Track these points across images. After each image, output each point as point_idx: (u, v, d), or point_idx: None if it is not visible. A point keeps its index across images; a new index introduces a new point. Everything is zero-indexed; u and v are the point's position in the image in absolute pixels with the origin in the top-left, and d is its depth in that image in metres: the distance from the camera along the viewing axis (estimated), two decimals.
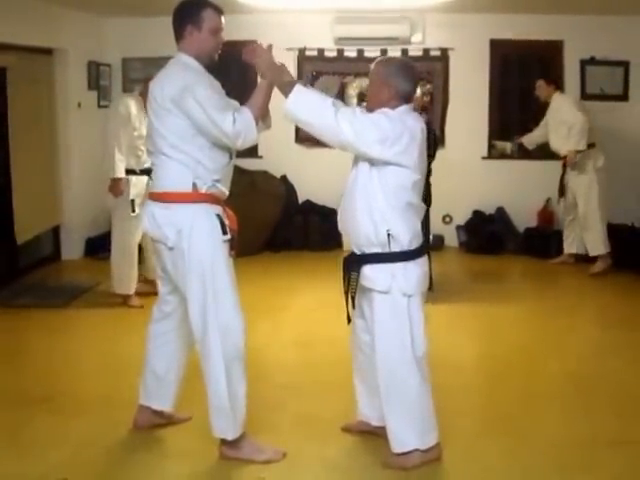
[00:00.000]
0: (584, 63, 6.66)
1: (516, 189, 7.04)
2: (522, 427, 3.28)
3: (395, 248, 2.79)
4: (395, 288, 2.79)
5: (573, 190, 6.27)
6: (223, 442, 2.95)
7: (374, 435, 3.07)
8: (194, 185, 2.83)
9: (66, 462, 2.92)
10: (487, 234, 6.92)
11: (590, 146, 6.19)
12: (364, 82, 7.19)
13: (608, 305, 5.33)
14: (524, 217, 7.05)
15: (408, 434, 2.86)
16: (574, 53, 6.79)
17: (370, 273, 2.82)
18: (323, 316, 5.03)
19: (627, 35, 6.76)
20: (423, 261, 2.89)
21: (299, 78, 7.14)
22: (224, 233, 2.87)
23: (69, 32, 6.37)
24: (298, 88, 2.78)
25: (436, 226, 6.86)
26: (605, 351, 4.34)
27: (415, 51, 6.95)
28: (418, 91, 5.03)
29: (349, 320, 2.98)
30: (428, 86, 7.07)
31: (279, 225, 7.06)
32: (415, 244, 2.84)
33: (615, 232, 6.43)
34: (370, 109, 2.92)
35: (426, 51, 6.98)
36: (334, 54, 7.14)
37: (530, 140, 6.59)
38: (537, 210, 7.06)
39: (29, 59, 5.92)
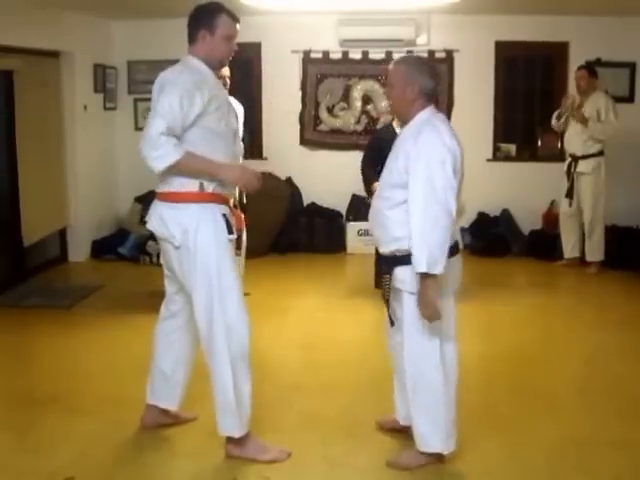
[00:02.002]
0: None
1: (521, 191, 7.04)
2: (523, 427, 3.29)
3: None
4: None
5: (580, 196, 6.27)
6: (229, 441, 2.97)
7: (403, 434, 3.09)
8: (200, 185, 2.85)
9: (74, 461, 2.95)
10: (492, 236, 6.92)
11: (600, 153, 6.19)
12: (369, 84, 7.21)
13: (612, 306, 5.33)
14: (529, 219, 7.05)
15: (433, 436, 2.86)
16: (579, 54, 6.77)
17: (401, 274, 2.78)
18: (328, 318, 5.05)
19: (633, 36, 6.74)
20: (455, 260, 2.83)
21: (304, 80, 7.17)
22: (230, 233, 2.90)
23: (75, 35, 6.40)
24: (430, 267, 2.59)
25: None
26: (608, 352, 4.34)
27: (420, 53, 6.94)
28: None
29: (392, 323, 2.93)
30: None
31: (284, 227, 7.08)
32: None
33: (620, 234, 6.44)
34: (396, 112, 2.91)
35: (431, 53, 6.98)
36: (339, 56, 7.15)
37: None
38: (542, 212, 7.06)
39: (36, 62, 5.96)
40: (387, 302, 2.88)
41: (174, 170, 2.78)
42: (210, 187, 2.86)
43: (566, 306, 5.36)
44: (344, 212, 7.20)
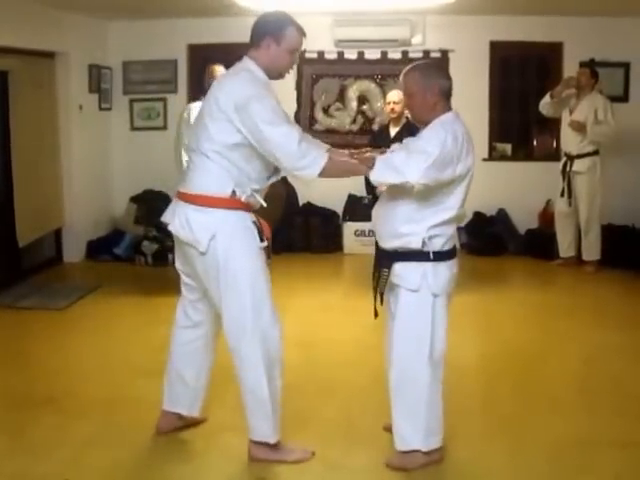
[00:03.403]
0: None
1: (517, 191, 7.05)
2: (523, 428, 3.28)
3: (427, 249, 2.78)
4: (424, 287, 2.78)
5: (576, 195, 6.27)
6: (257, 444, 2.92)
7: None
8: (233, 192, 2.75)
9: (69, 463, 2.93)
10: (488, 236, 6.93)
11: (596, 152, 6.19)
12: (364, 84, 7.21)
13: (609, 305, 5.34)
14: (525, 218, 7.05)
15: (412, 433, 2.86)
16: (574, 55, 6.79)
17: (401, 271, 2.80)
18: (324, 318, 5.04)
19: (628, 36, 6.75)
20: (453, 263, 2.86)
21: (299, 80, 7.17)
22: (261, 240, 2.83)
23: (70, 36, 6.38)
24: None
25: None
26: (607, 351, 4.33)
27: (415, 53, 6.96)
28: None
29: (376, 314, 2.96)
30: None
31: (280, 227, 7.06)
32: (447, 246, 2.83)
33: (616, 233, 6.44)
34: (419, 118, 2.89)
35: (426, 53, 6.98)
36: (334, 56, 7.15)
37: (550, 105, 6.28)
38: (538, 211, 7.06)
39: (31, 62, 5.94)
40: (380, 295, 2.88)
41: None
42: (243, 195, 2.76)
43: (564, 305, 5.36)
44: (340, 212, 7.20)
